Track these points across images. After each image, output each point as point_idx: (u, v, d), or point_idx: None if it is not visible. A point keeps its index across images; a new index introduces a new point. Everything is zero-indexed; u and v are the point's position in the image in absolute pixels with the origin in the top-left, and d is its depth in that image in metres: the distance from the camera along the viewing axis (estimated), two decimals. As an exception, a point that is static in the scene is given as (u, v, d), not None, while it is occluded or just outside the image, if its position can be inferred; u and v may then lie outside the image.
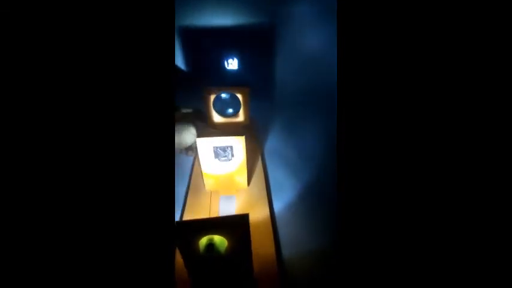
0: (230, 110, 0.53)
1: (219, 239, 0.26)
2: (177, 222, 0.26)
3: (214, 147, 0.41)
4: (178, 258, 0.36)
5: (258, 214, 0.42)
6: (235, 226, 0.26)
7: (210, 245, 0.26)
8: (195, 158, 0.53)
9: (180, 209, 0.44)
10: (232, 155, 0.42)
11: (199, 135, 0.41)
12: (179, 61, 0.75)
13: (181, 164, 0.53)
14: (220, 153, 0.42)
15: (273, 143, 0.62)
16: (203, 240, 0.26)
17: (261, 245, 0.37)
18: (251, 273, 0.31)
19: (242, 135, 0.40)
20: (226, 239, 0.26)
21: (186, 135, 0.45)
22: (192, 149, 0.46)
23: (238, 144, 0.41)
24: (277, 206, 0.45)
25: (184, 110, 0.48)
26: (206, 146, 0.41)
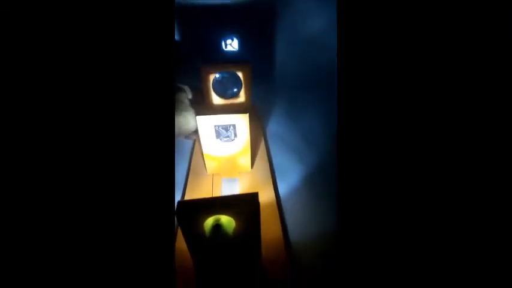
0: (231, 91, 0.49)
1: (226, 220, 0.24)
2: (179, 201, 0.23)
3: (215, 126, 0.38)
4: (181, 242, 0.34)
5: (263, 197, 0.40)
6: (245, 205, 0.23)
7: (217, 226, 0.23)
8: (195, 140, 0.50)
9: (181, 193, 0.41)
10: (235, 135, 0.39)
11: (199, 113, 0.39)
12: (175, 41, 0.71)
13: (181, 146, 0.50)
14: (222, 132, 0.39)
15: (274, 126, 0.60)
16: (209, 221, 0.24)
17: (268, 228, 0.35)
18: (259, 257, 0.28)
19: (245, 112, 0.38)
20: (235, 219, 0.24)
21: (185, 118, 0.42)
22: (191, 132, 0.43)
23: (241, 122, 0.38)
24: (282, 190, 0.43)
25: (182, 90, 0.45)
26: (207, 124, 0.38)
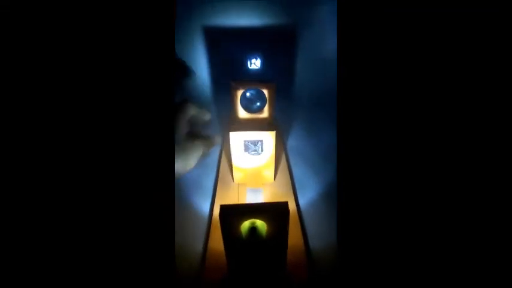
0: (256, 105, 0.54)
1: (260, 224, 0.28)
2: (221, 205, 0.27)
3: (245, 141, 0.43)
4: (215, 243, 0.38)
5: (286, 207, 0.43)
6: (277, 211, 0.27)
7: (253, 229, 0.27)
8: (221, 152, 0.55)
9: (210, 199, 0.46)
10: (262, 149, 0.44)
11: (231, 129, 0.43)
12: (204, 60, 0.77)
13: (209, 156, 0.55)
14: (251, 146, 0.43)
15: (294, 140, 0.64)
16: (245, 224, 0.28)
17: (290, 235, 0.38)
18: (285, 260, 0.32)
19: (273, 130, 0.42)
20: (267, 223, 0.28)
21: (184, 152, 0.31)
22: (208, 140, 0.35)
23: (269, 138, 0.43)
24: (302, 200, 0.47)
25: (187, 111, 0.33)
26: (238, 139, 0.43)
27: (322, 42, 0.78)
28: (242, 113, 0.54)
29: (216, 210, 0.39)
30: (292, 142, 0.63)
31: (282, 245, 0.30)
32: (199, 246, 0.38)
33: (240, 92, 0.53)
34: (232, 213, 0.27)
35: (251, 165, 0.46)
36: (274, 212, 0.27)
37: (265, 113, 0.55)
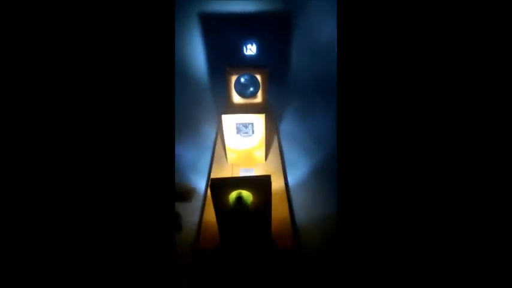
0: (249, 91, 0.57)
1: (246, 194, 0.31)
2: (212, 179, 0.31)
3: (237, 123, 0.46)
4: (208, 214, 0.42)
5: (275, 184, 0.46)
6: (260, 183, 0.31)
7: (239, 198, 0.31)
8: (217, 135, 0.58)
9: (205, 178, 0.49)
10: (253, 131, 0.47)
11: (224, 112, 0.46)
12: (200, 46, 0.80)
13: (205, 139, 0.58)
14: (242, 129, 0.46)
15: (286, 125, 0.67)
16: (233, 194, 0.31)
17: (278, 210, 0.42)
18: (270, 228, 0.36)
19: (262, 113, 0.45)
20: (252, 194, 0.31)
21: None
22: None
23: (258, 121, 0.46)
24: (291, 180, 0.50)
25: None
26: (230, 122, 0.46)
27: (317, 29, 0.79)
28: (236, 98, 0.57)
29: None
30: (285, 126, 0.66)
31: (265, 213, 0.33)
32: (195, 218, 0.42)
33: (234, 78, 0.55)
34: (221, 185, 0.31)
35: (243, 147, 0.49)
36: (258, 183, 0.31)
37: (258, 98, 0.58)
